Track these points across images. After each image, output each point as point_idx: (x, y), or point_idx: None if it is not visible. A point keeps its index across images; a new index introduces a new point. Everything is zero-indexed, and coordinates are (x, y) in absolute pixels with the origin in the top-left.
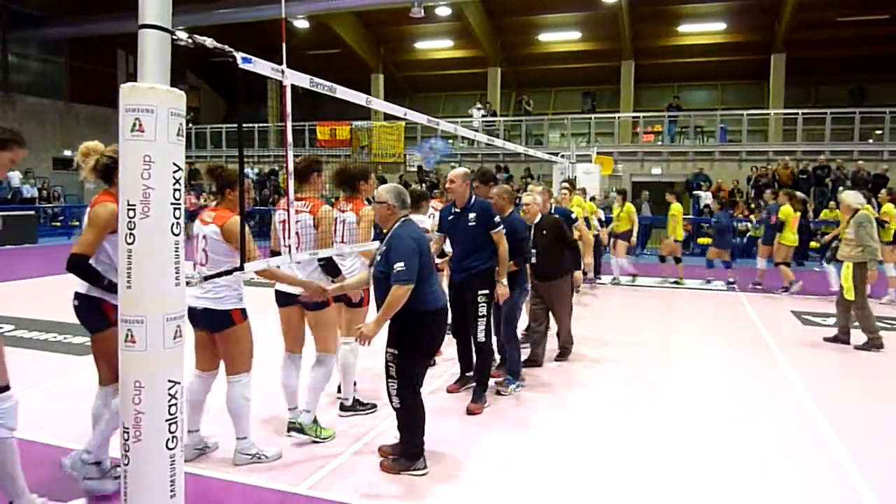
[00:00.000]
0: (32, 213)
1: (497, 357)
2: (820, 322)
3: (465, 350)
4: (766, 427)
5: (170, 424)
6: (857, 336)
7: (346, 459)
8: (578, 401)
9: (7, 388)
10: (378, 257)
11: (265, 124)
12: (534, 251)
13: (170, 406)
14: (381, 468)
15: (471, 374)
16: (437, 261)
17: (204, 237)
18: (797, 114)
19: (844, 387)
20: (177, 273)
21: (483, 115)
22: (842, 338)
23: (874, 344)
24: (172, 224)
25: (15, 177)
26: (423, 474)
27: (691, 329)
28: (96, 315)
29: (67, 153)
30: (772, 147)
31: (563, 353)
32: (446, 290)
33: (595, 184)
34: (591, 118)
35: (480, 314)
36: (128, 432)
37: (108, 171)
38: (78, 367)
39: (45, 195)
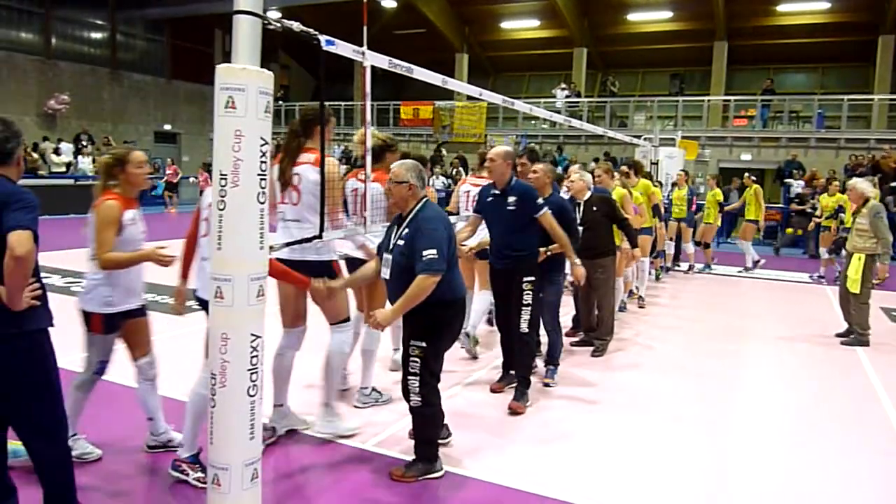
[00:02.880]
0: None
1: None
2: None
3: (511, 342)
4: (840, 426)
5: (251, 374)
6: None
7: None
8: (633, 396)
9: (348, 319)
10: (400, 242)
11: (351, 103)
12: (581, 228)
13: (251, 357)
14: (393, 478)
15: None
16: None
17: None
18: None
19: None
20: (261, 238)
21: (567, 96)
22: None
23: (861, 341)
24: (258, 193)
25: None
26: (441, 476)
27: (767, 322)
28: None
29: (167, 127)
30: (874, 135)
31: (600, 348)
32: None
33: (678, 168)
34: (678, 101)
35: (525, 303)
36: (214, 378)
37: (380, 151)
38: (175, 325)
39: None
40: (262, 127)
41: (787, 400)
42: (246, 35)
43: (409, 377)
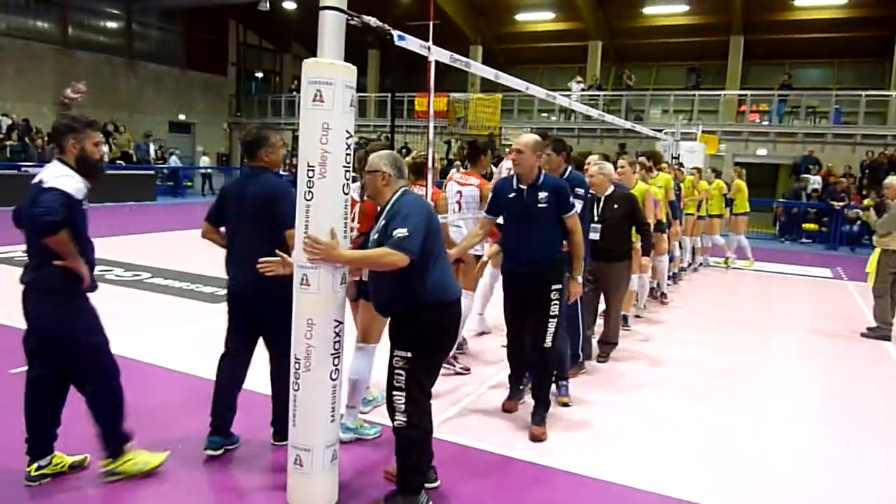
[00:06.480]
0: (152, 172)
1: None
2: None
3: (518, 356)
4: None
5: (334, 358)
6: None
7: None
8: (647, 405)
9: None
10: (374, 235)
11: (364, 94)
12: (598, 226)
13: (334, 342)
14: None
15: (524, 386)
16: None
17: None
18: None
19: None
20: (345, 227)
21: (583, 90)
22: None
23: (881, 335)
24: (343, 184)
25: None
26: None
27: (788, 320)
28: None
29: (182, 117)
30: (891, 131)
31: (605, 352)
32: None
33: (698, 163)
34: (694, 95)
35: (552, 314)
36: (299, 363)
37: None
38: (206, 312)
39: (161, 156)
40: (347, 120)
41: (817, 392)
42: (332, 31)
43: (394, 392)
